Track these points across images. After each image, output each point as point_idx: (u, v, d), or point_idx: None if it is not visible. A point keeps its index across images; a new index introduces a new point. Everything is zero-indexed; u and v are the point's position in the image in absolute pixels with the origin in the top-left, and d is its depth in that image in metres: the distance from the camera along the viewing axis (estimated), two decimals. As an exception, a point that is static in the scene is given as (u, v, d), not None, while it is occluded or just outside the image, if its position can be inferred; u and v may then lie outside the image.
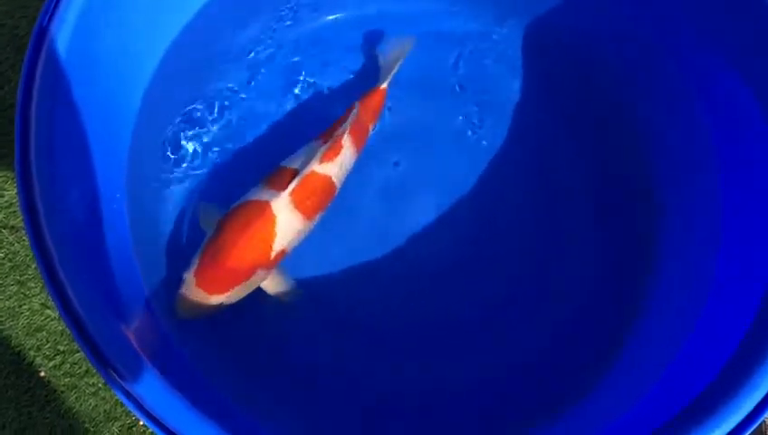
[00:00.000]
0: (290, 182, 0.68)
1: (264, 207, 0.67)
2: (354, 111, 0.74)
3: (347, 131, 0.72)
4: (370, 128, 0.77)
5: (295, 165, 0.70)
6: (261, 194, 0.69)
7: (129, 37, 0.67)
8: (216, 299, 0.66)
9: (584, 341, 0.76)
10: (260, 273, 0.68)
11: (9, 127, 0.94)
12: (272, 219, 0.67)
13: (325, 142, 0.71)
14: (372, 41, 0.84)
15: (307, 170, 0.69)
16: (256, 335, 0.75)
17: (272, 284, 0.71)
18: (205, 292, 0.66)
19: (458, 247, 0.79)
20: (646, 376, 0.65)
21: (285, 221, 0.68)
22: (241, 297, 0.69)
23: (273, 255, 0.68)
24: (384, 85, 0.77)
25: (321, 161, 0.70)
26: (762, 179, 0.66)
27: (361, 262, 0.78)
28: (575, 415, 0.69)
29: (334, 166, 0.71)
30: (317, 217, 0.71)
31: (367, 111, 0.76)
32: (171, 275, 0.72)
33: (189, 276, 0.66)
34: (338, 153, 0.71)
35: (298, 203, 0.68)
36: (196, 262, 0.67)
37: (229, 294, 0.67)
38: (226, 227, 0.68)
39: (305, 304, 0.76)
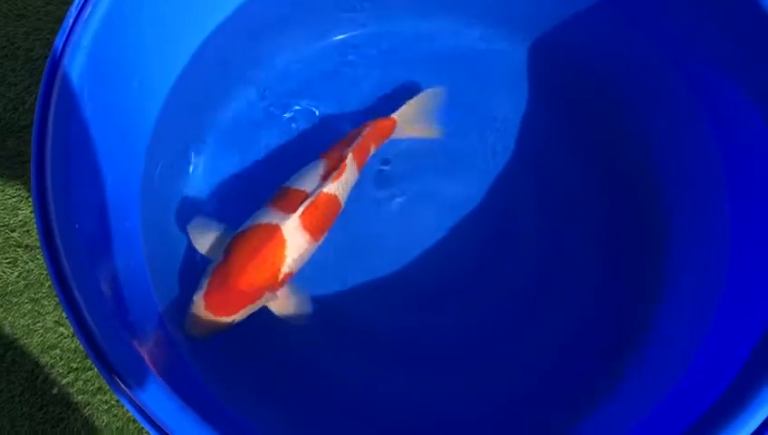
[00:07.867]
0: (299, 204, 0.68)
1: (275, 230, 0.67)
2: (362, 132, 0.74)
3: (352, 151, 0.72)
4: (372, 151, 0.77)
5: (301, 186, 0.71)
6: (270, 217, 0.69)
7: (143, 60, 0.68)
8: (225, 320, 0.67)
9: (588, 361, 0.76)
10: (268, 295, 0.69)
11: (23, 148, 0.95)
12: (282, 243, 0.67)
13: (329, 161, 0.72)
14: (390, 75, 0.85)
15: (317, 192, 0.69)
16: (269, 350, 0.76)
17: (278, 305, 0.71)
18: (213, 314, 0.66)
19: (466, 265, 0.80)
20: (650, 396, 0.65)
21: (295, 243, 0.68)
22: (249, 314, 0.69)
23: (281, 277, 0.69)
24: (395, 116, 0.78)
25: (330, 182, 0.70)
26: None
27: (372, 279, 0.79)
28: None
29: (340, 186, 0.71)
30: (323, 236, 0.72)
31: (374, 136, 0.76)
32: (184, 293, 0.73)
33: (199, 298, 0.67)
34: (342, 173, 0.71)
35: (307, 224, 0.69)
36: (205, 284, 0.68)
37: (237, 314, 0.67)
38: (236, 251, 0.68)
39: (319, 322, 0.76)
